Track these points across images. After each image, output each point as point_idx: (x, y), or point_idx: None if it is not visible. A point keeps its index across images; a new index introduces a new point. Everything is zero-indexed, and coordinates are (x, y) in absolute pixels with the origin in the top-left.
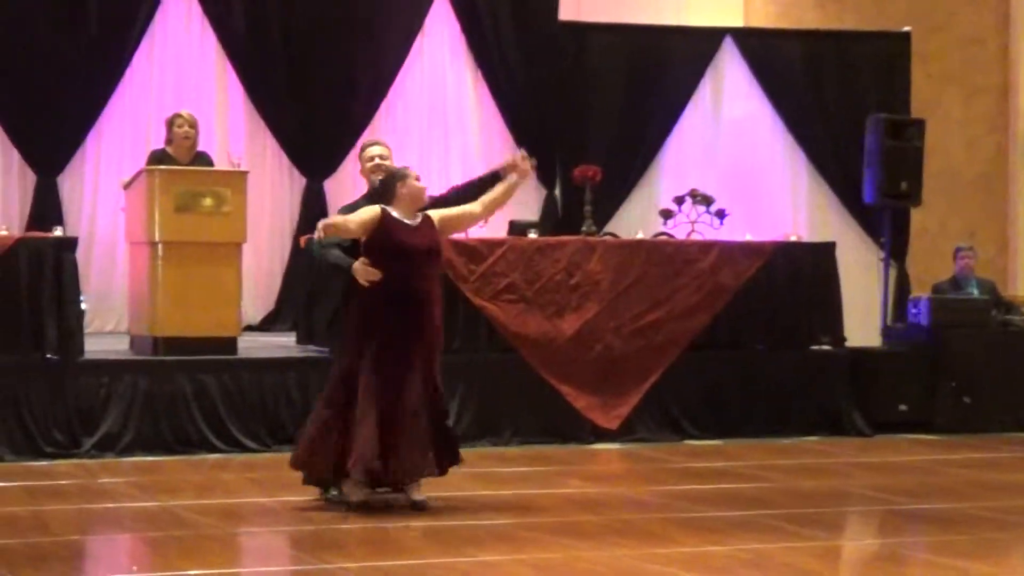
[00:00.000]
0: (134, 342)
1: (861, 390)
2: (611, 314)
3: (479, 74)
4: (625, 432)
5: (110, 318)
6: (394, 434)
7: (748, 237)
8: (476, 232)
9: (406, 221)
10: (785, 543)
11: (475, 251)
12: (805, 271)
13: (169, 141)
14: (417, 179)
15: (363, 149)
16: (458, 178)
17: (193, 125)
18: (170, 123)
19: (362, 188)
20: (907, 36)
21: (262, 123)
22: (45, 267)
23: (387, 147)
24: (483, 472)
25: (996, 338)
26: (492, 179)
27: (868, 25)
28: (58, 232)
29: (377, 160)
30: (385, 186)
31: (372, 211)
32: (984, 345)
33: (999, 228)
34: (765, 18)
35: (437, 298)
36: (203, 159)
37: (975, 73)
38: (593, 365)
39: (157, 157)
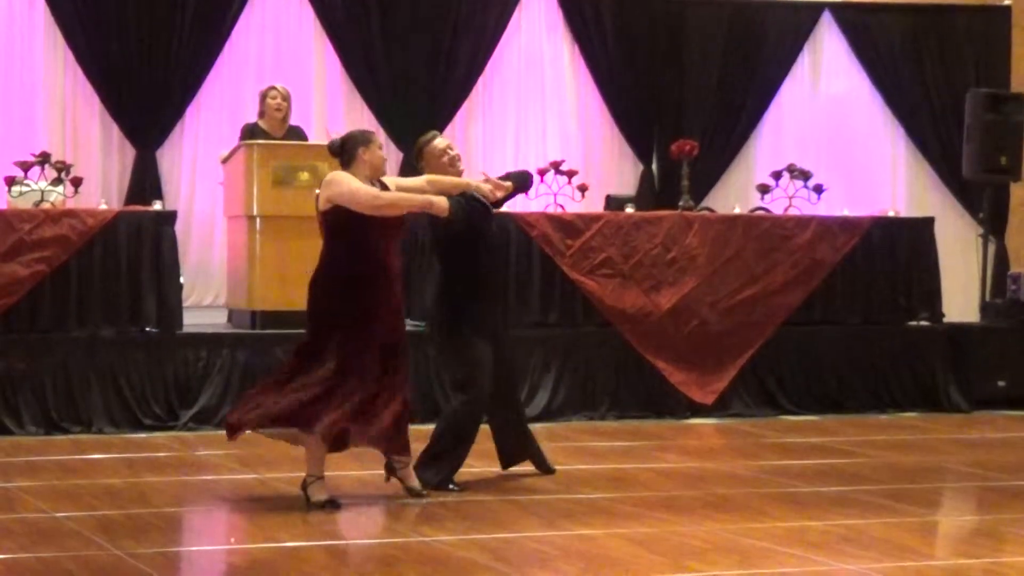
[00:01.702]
0: (232, 315)
1: (959, 366)
2: (708, 289)
3: (576, 48)
4: (721, 407)
5: (208, 292)
6: None
7: (846, 212)
8: (573, 207)
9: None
10: (882, 519)
11: (572, 226)
12: (903, 247)
13: (262, 114)
14: (380, 147)
15: (424, 145)
16: (556, 153)
17: (286, 98)
18: (264, 96)
19: None
20: (1007, 10)
21: (359, 97)
22: (145, 241)
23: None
24: (579, 446)
25: None
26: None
27: None
28: (157, 206)
29: (451, 153)
30: (345, 147)
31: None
32: None
33: None
34: None
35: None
36: (296, 133)
37: None
38: (689, 340)
39: (250, 130)
